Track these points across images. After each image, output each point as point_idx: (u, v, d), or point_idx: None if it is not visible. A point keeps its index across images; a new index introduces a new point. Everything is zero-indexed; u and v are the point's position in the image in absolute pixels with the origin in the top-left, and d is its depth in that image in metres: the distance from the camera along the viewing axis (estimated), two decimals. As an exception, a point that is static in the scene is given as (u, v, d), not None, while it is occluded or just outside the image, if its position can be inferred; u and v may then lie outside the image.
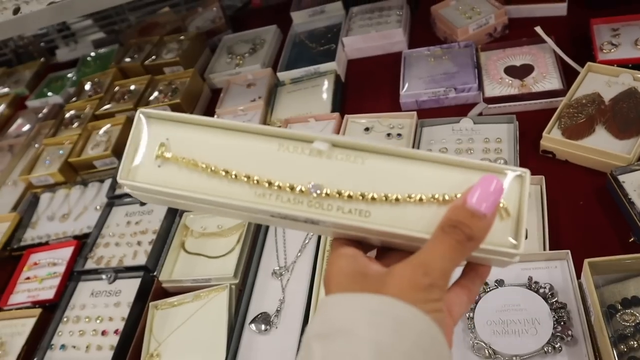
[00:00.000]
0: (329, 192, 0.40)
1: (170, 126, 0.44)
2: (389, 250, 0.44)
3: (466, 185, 0.40)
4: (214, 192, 0.42)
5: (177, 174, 0.42)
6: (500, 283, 0.73)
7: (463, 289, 0.42)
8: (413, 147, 0.98)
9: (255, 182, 0.41)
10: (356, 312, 0.35)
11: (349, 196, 0.40)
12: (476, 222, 0.37)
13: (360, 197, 0.40)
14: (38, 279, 1.10)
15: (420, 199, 0.40)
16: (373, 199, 0.40)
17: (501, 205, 0.40)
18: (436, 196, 0.40)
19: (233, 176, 0.42)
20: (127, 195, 1.16)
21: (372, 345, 0.33)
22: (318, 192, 0.41)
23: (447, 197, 0.40)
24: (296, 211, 0.41)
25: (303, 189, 0.41)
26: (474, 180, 0.39)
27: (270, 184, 0.41)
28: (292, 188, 0.41)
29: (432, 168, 0.41)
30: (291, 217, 0.41)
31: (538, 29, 1.09)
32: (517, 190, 0.41)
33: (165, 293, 0.99)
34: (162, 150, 0.43)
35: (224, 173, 0.42)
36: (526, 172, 0.41)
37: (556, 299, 0.69)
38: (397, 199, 0.40)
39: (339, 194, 0.40)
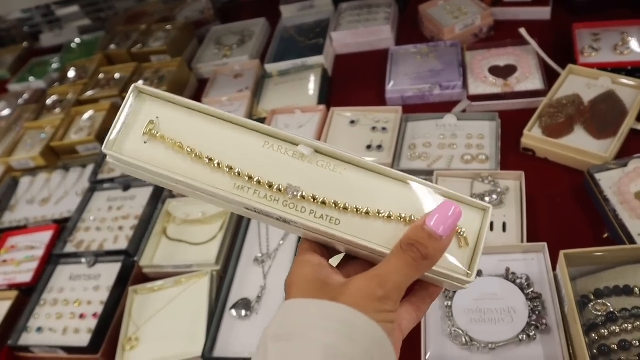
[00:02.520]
0: (304, 195, 0.42)
1: (163, 105, 0.44)
2: (353, 259, 0.46)
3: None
4: (194, 176, 0.42)
5: (162, 153, 0.43)
6: (478, 273, 0.75)
7: (413, 305, 0.45)
8: (397, 141, 1.00)
9: (236, 174, 0.42)
10: (311, 316, 0.37)
11: (323, 202, 0.42)
12: (432, 242, 0.39)
13: (333, 205, 0.42)
14: (15, 262, 1.09)
15: (389, 216, 0.42)
16: (345, 208, 0.42)
17: (461, 233, 0.42)
18: (403, 216, 0.42)
19: (216, 164, 0.42)
20: (109, 180, 1.15)
21: (323, 349, 0.35)
22: (294, 193, 0.42)
23: (413, 218, 0.42)
24: (271, 208, 0.42)
25: (281, 188, 0.42)
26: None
27: (250, 178, 0.42)
28: (270, 186, 0.42)
29: (406, 189, 0.43)
30: (265, 213, 0.43)
31: (522, 31, 1.12)
32: (479, 223, 0.43)
33: (145, 278, 0.99)
34: (151, 127, 0.43)
35: (207, 160, 0.42)
36: (489, 207, 0.43)
37: (532, 289, 0.71)
38: (367, 213, 0.42)
39: (314, 198, 0.42)
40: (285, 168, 0.43)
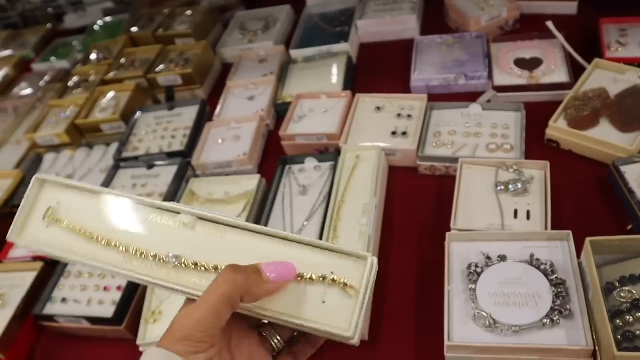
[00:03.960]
0: (186, 262, 0.45)
1: (63, 191, 0.49)
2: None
3: (316, 266, 0.45)
4: (89, 256, 0.47)
5: (62, 235, 0.48)
6: (503, 258, 0.75)
7: (291, 355, 0.47)
8: (422, 128, 1.00)
9: (124, 249, 0.46)
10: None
11: (204, 267, 0.45)
12: (257, 278, 0.42)
13: (213, 270, 0.45)
14: (39, 236, 1.11)
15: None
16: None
17: (346, 283, 0.44)
18: None
19: (106, 243, 0.47)
20: (134, 158, 1.17)
21: None
22: (176, 262, 0.45)
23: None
24: (156, 279, 0.45)
25: (164, 258, 0.45)
26: (320, 262, 0.45)
27: (136, 251, 0.46)
28: (154, 257, 0.46)
29: (285, 246, 0.46)
30: (152, 283, 0.46)
31: (549, 24, 1.12)
32: (367, 275, 0.44)
33: (168, 255, 1.00)
34: (50, 213, 0.48)
35: (98, 239, 0.47)
36: (374, 259, 0.45)
37: (556, 275, 0.72)
38: None
39: (195, 265, 0.45)
40: (170, 237, 0.47)
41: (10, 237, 0.48)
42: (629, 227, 0.82)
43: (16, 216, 0.49)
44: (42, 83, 1.58)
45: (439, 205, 0.92)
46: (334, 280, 0.44)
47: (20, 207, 0.49)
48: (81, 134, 1.33)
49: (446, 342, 0.69)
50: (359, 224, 0.86)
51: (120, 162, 1.18)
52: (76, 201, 0.49)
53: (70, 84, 1.50)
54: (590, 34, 1.14)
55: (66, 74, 1.59)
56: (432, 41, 1.22)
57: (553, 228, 0.81)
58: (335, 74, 1.21)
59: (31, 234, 0.48)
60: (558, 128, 0.94)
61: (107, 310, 0.91)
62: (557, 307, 0.69)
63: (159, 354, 0.39)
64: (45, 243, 0.48)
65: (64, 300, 0.96)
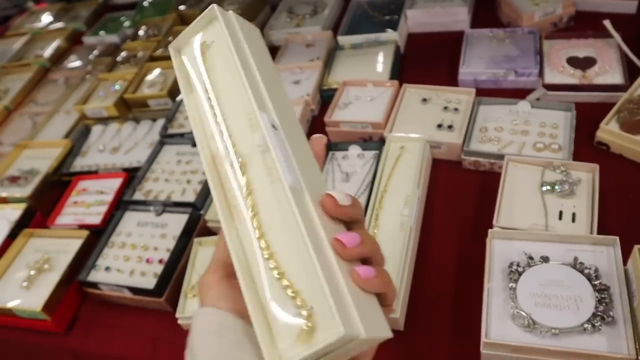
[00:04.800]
0: None
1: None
2: None
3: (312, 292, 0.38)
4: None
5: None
6: (545, 259, 0.75)
7: None
8: (469, 122, 0.99)
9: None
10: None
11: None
12: None
13: None
14: (85, 204, 1.15)
15: None
16: None
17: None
18: None
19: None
20: (179, 135, 1.19)
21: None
22: None
23: None
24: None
25: None
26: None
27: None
28: None
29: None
30: None
31: (607, 23, 1.09)
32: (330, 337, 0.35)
33: (209, 232, 1.03)
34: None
35: None
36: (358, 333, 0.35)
37: (600, 280, 0.71)
38: None
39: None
40: None
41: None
42: (678, 236, 0.80)
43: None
44: (91, 56, 1.62)
45: (481, 201, 0.92)
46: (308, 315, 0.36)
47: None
48: (128, 108, 1.36)
49: (483, 339, 0.69)
50: (401, 214, 0.86)
51: (165, 137, 1.20)
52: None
53: (118, 58, 1.53)
54: (649, 36, 1.10)
55: (115, 49, 1.62)
56: (483, 35, 1.20)
57: (599, 232, 0.80)
58: (382, 62, 1.21)
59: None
60: (609, 130, 0.93)
61: (149, 282, 0.94)
62: (599, 313, 0.68)
63: (209, 313, 0.41)
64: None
65: (107, 269, 0.99)
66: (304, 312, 0.36)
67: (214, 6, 0.47)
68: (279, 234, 0.39)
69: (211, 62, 0.46)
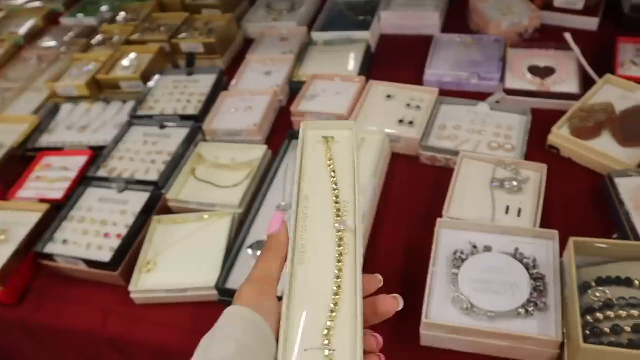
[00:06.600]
0: None
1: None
2: None
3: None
4: None
5: None
6: (488, 249, 0.78)
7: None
8: (429, 120, 1.03)
9: None
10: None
11: None
12: (269, 239, 0.50)
13: None
14: (48, 179, 1.15)
15: None
16: None
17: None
18: None
19: None
20: (148, 117, 1.20)
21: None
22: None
23: None
24: None
25: None
26: None
27: None
28: None
29: None
30: None
31: (567, 36, 1.14)
32: None
33: (169, 211, 1.04)
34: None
35: None
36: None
37: (537, 270, 0.75)
38: None
39: None
40: None
41: None
42: (614, 236, 0.84)
43: None
44: (67, 37, 1.62)
45: (435, 194, 0.95)
46: None
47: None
48: (100, 89, 1.37)
49: (423, 319, 0.72)
50: (356, 201, 0.89)
51: (134, 118, 1.21)
52: None
53: (94, 41, 1.54)
54: (606, 51, 1.15)
55: (92, 31, 1.62)
56: (451, 39, 1.24)
57: (541, 227, 0.84)
58: (352, 59, 1.24)
59: None
60: (560, 135, 0.97)
61: (105, 255, 0.94)
62: (533, 299, 0.71)
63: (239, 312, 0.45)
64: None
65: (64, 241, 0.99)
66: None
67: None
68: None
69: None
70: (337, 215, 0.52)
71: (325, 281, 0.47)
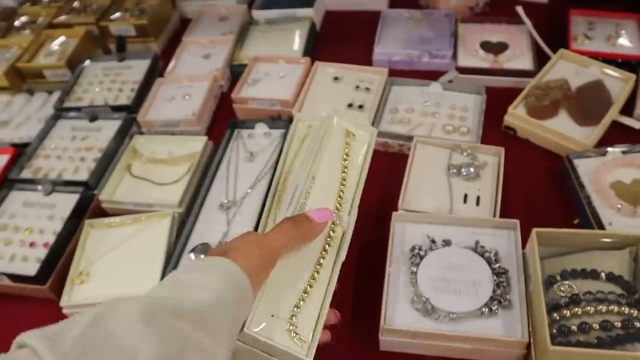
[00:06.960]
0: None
1: None
2: None
3: None
4: None
5: None
6: (447, 243, 0.73)
7: None
8: (380, 103, 0.97)
9: None
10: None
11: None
12: (308, 223, 0.53)
13: None
14: (-34, 184, 1.03)
15: None
16: None
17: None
18: None
19: None
20: (76, 109, 1.10)
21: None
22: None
23: None
24: None
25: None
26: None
27: None
28: None
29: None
30: None
31: (519, 9, 1.09)
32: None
33: (103, 214, 0.95)
34: None
35: None
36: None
37: (499, 264, 0.70)
38: None
39: None
40: None
41: None
42: (576, 221, 0.81)
43: None
44: (-17, 20, 1.47)
45: (389, 183, 0.89)
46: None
47: None
48: (22, 79, 1.24)
49: (381, 324, 0.66)
50: (305, 196, 0.82)
51: (61, 111, 1.10)
52: None
53: (16, 23, 1.40)
54: (558, 24, 1.12)
55: (12, 13, 1.48)
56: (400, 15, 1.18)
57: (501, 216, 0.79)
58: (297, 39, 1.16)
59: None
60: (516, 115, 0.93)
61: (31, 268, 0.85)
62: (496, 297, 0.67)
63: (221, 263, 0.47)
64: None
65: (-16, 254, 0.90)
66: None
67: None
68: None
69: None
70: (336, 209, 0.57)
71: (307, 266, 0.55)
